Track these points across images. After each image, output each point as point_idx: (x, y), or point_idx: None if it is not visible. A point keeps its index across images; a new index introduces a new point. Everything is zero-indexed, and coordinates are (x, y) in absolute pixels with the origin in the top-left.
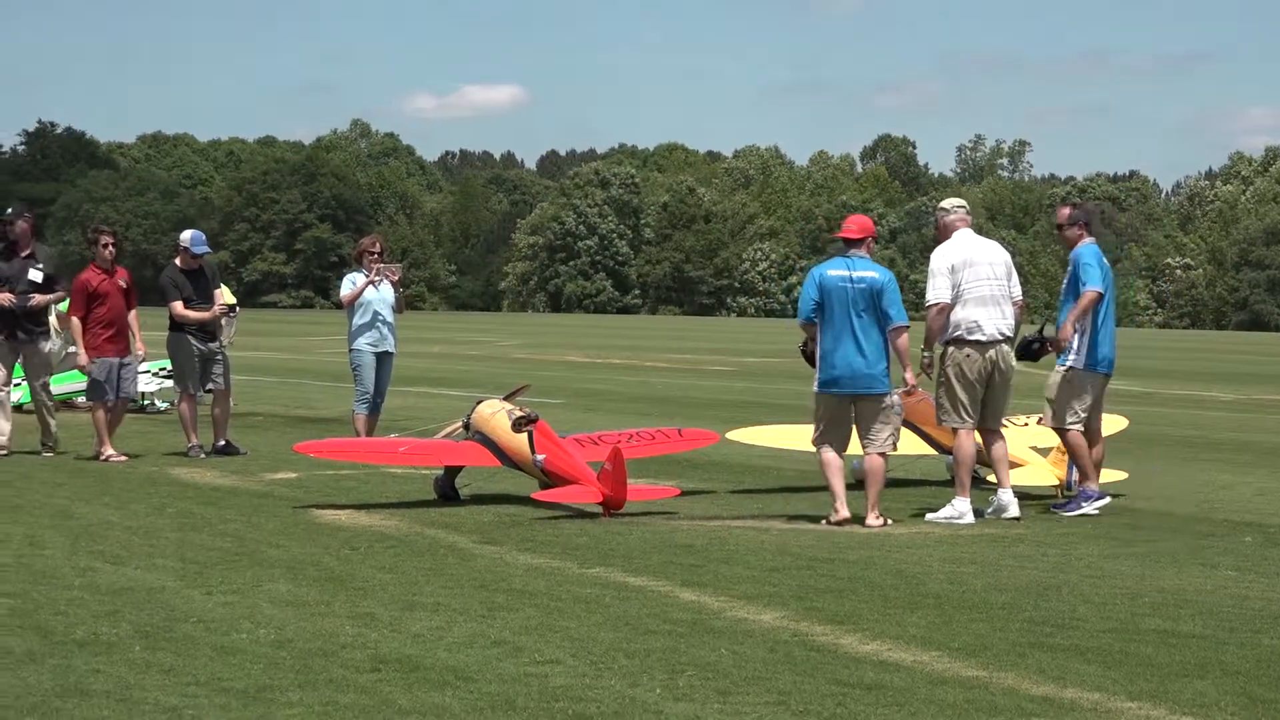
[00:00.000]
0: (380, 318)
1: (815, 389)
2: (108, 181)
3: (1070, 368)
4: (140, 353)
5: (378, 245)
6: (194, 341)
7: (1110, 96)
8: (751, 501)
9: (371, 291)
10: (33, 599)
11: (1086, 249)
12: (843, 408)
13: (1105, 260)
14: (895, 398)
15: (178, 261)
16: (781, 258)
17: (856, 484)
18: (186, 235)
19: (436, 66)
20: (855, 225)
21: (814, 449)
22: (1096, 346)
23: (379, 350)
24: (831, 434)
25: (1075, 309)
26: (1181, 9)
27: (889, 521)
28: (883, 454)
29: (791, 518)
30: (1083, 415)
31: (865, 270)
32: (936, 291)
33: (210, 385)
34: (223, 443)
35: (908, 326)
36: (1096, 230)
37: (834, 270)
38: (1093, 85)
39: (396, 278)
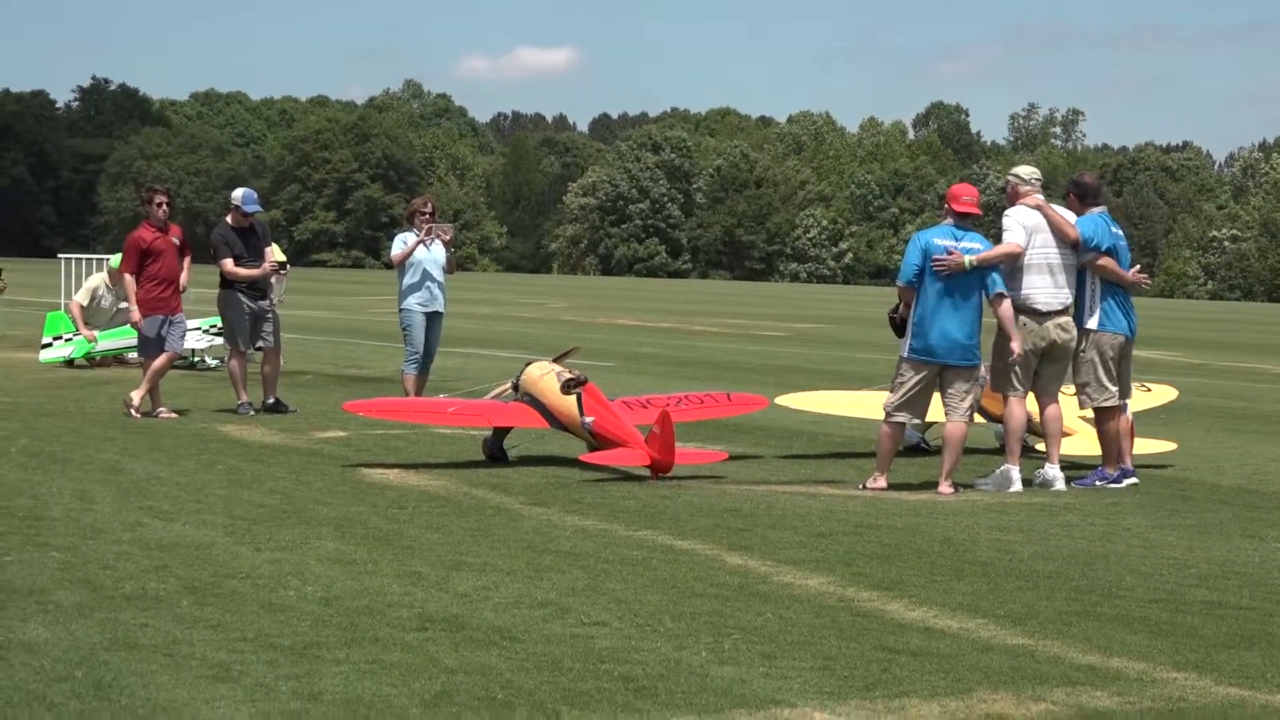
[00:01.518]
0: (430, 277)
1: (905, 355)
2: (160, 139)
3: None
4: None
5: (429, 205)
6: (244, 299)
7: (1167, 67)
8: (800, 466)
9: (422, 251)
10: (81, 553)
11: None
12: (931, 376)
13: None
14: (984, 370)
15: (229, 219)
16: (832, 223)
17: (905, 451)
18: (238, 193)
19: (491, 29)
20: (969, 198)
21: (883, 414)
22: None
23: (429, 310)
24: (913, 403)
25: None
26: None
27: (960, 490)
28: (965, 422)
29: (839, 483)
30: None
31: (972, 242)
32: (1012, 235)
33: (260, 343)
34: (272, 400)
35: (1007, 295)
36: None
37: (940, 239)
38: (1150, 56)
39: (448, 237)
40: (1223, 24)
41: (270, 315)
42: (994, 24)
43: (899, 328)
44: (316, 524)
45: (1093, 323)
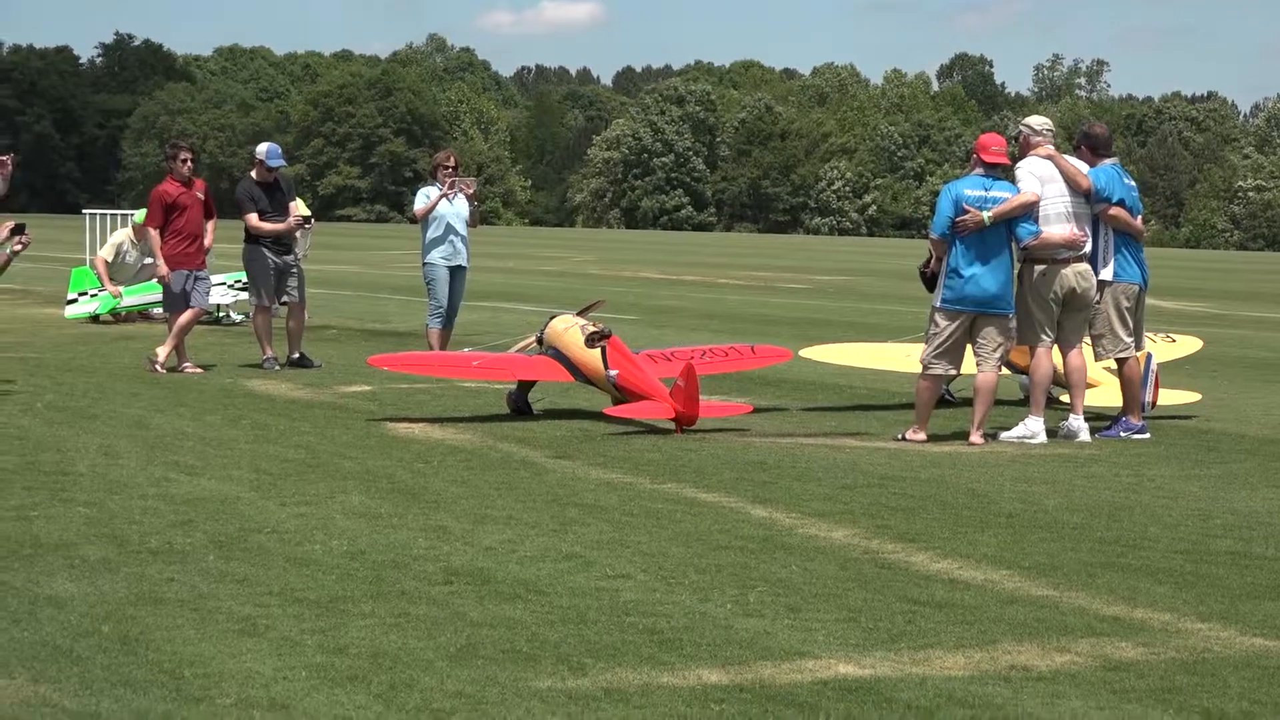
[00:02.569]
0: (454, 231)
1: (939, 305)
2: (184, 94)
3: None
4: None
5: (452, 159)
6: (269, 254)
7: (1192, 17)
8: (824, 419)
9: (445, 205)
10: (108, 508)
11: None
12: (964, 326)
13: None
14: (1011, 322)
15: (253, 174)
16: (856, 175)
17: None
18: (262, 148)
19: None
20: (997, 148)
21: (920, 367)
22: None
23: (452, 264)
24: (949, 353)
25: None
26: None
27: (987, 441)
28: (995, 372)
29: (864, 435)
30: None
31: (1002, 191)
32: (1026, 184)
33: (285, 298)
34: (297, 355)
35: (1039, 235)
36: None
37: (971, 189)
38: (1175, 6)
39: (471, 191)
40: None
41: (295, 270)
42: None
43: (930, 282)
44: (342, 478)
45: (1106, 273)
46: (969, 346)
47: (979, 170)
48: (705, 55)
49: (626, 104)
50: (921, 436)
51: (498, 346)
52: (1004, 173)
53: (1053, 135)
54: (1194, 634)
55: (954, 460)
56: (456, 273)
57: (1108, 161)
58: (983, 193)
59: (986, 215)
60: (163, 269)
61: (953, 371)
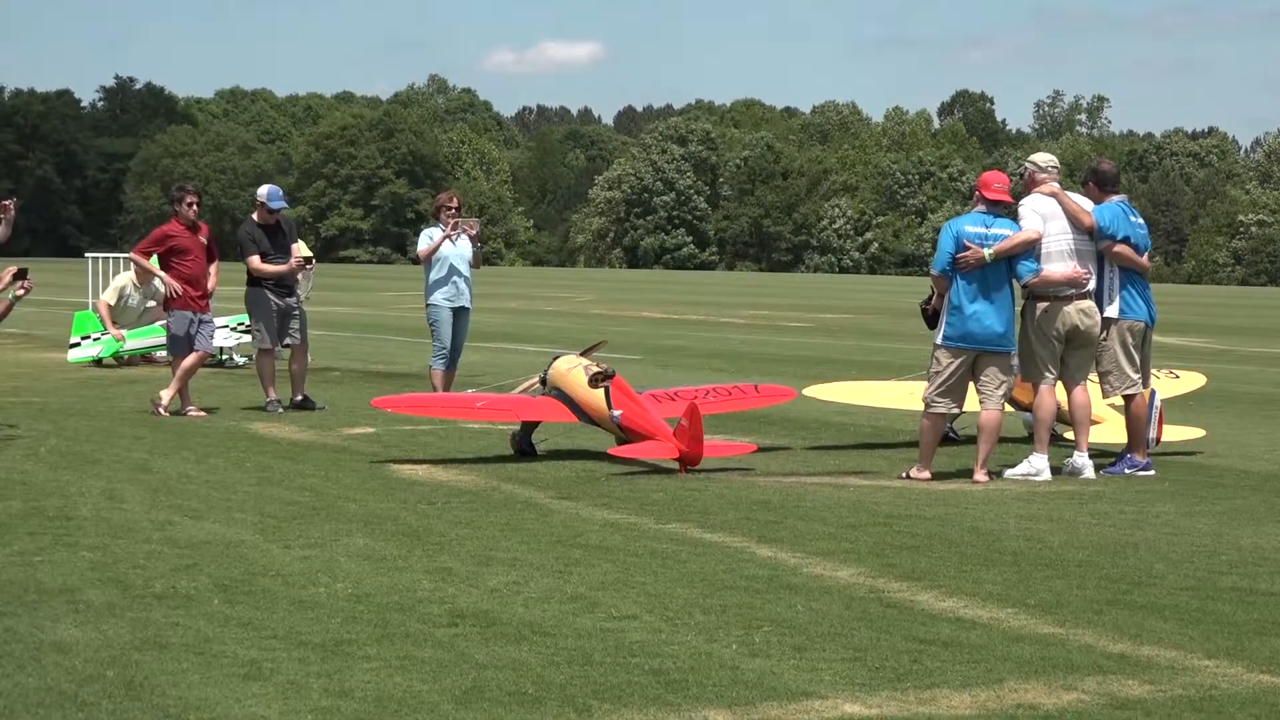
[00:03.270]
0: (457, 272)
1: (940, 343)
2: (186, 137)
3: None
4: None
5: (455, 200)
6: (271, 296)
7: (1193, 52)
8: (828, 458)
9: (449, 246)
10: (112, 552)
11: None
12: (966, 364)
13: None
14: (1014, 359)
15: (255, 216)
16: (858, 213)
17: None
18: (263, 190)
19: (516, 22)
20: (999, 185)
21: (922, 405)
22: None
23: (455, 305)
24: (952, 391)
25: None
26: None
27: (991, 479)
28: (999, 409)
29: (868, 474)
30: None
31: (1003, 229)
32: (1028, 222)
33: (288, 340)
34: (300, 397)
35: (1039, 272)
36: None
37: (972, 226)
38: (1177, 41)
39: (474, 232)
40: (1250, 9)
41: (298, 312)
42: (1019, 11)
43: (931, 319)
44: (346, 520)
45: (1112, 310)
46: (972, 384)
47: (981, 207)
48: (706, 94)
49: (628, 143)
50: (926, 475)
51: (501, 387)
52: (1006, 210)
53: (1058, 172)
54: (1201, 671)
55: (959, 498)
56: (460, 314)
57: (1115, 198)
58: (984, 229)
59: (988, 252)
60: (173, 283)
61: (956, 409)
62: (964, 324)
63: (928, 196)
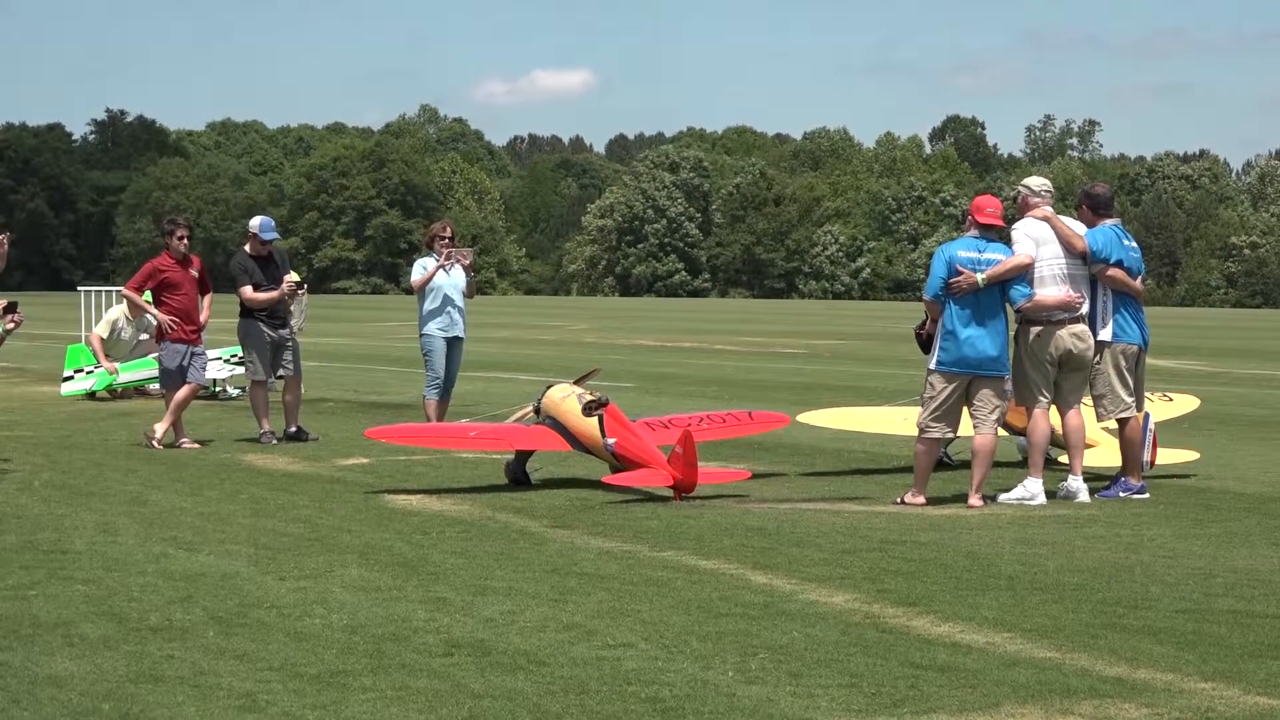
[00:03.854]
0: (451, 302)
1: (934, 368)
2: (178, 169)
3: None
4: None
5: (448, 230)
6: (264, 328)
7: (1184, 75)
8: (822, 484)
9: (442, 276)
10: (107, 586)
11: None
12: (960, 388)
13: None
14: (1007, 384)
15: (247, 248)
16: (850, 239)
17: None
18: (255, 221)
19: (506, 52)
20: (992, 209)
21: (916, 430)
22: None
23: (449, 335)
24: (944, 417)
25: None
26: None
27: (986, 503)
28: (993, 434)
29: (863, 499)
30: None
31: (995, 253)
32: (1021, 247)
33: (281, 371)
34: (294, 429)
35: (1032, 297)
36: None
37: (964, 251)
38: (1168, 63)
39: (468, 262)
40: (1240, 31)
41: (291, 343)
42: (1008, 36)
43: (925, 344)
44: (341, 551)
45: (1106, 334)
46: (966, 409)
47: (973, 232)
48: (698, 122)
49: (620, 171)
50: (920, 500)
51: (495, 416)
52: (999, 234)
53: (1051, 196)
54: (1197, 694)
55: (954, 523)
56: (454, 344)
57: (1108, 222)
58: (976, 254)
59: (980, 277)
60: (162, 316)
61: (950, 434)
62: (958, 349)
63: (920, 222)
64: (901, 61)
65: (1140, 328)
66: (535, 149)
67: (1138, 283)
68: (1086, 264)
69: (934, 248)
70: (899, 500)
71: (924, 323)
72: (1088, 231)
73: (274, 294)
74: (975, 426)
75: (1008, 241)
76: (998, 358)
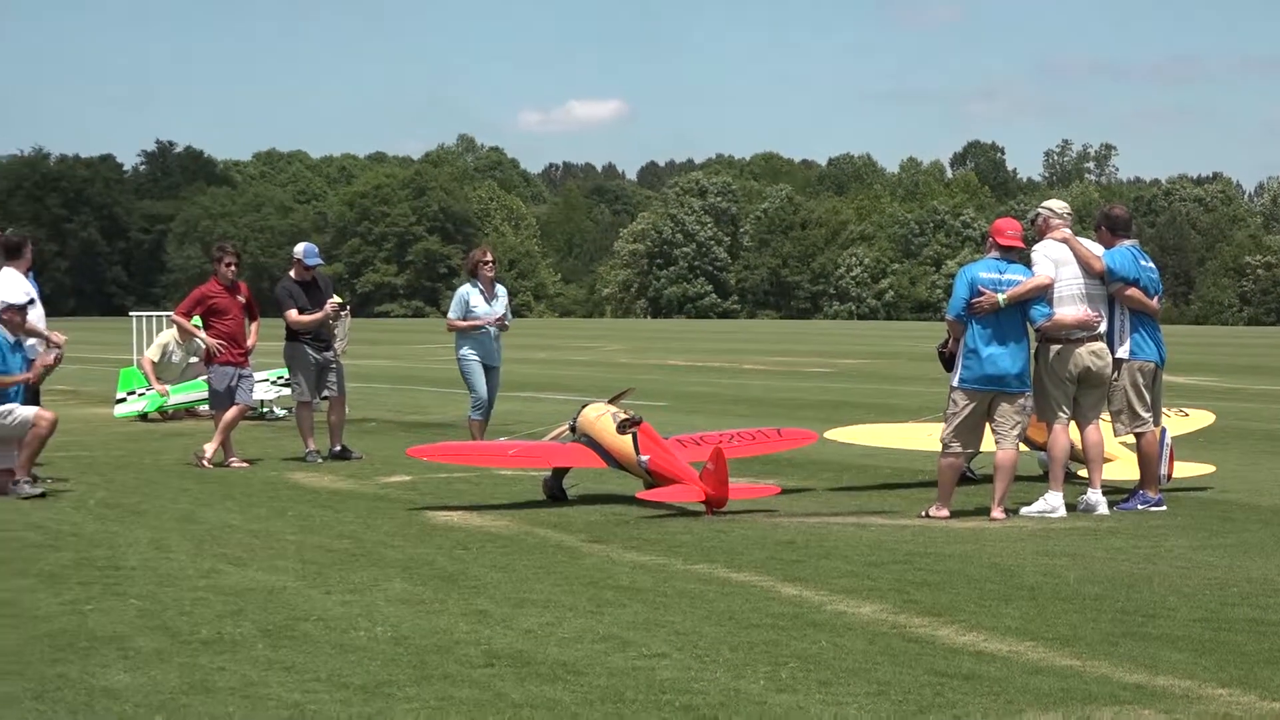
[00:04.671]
0: (486, 333)
1: (956, 384)
2: (225, 198)
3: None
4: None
5: (489, 255)
6: (310, 350)
7: (1198, 100)
8: (850, 499)
9: (481, 307)
10: (159, 600)
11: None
12: (982, 405)
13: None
14: (1028, 400)
15: (292, 273)
16: (874, 262)
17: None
18: (300, 248)
19: (542, 83)
20: (1013, 232)
21: (940, 446)
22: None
23: (486, 363)
24: (966, 432)
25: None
26: (1270, 11)
27: (1008, 516)
28: (1014, 449)
29: (889, 513)
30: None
31: (1016, 274)
32: (1040, 268)
33: (326, 392)
34: (339, 448)
35: (1052, 316)
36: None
37: (986, 272)
38: (1181, 89)
39: (505, 324)
40: (1251, 54)
41: (335, 365)
42: (1027, 63)
43: (948, 362)
44: (385, 566)
45: (1123, 351)
46: (988, 424)
47: (994, 254)
48: (726, 149)
49: (651, 197)
50: (944, 513)
51: (533, 435)
52: (1019, 256)
53: (1070, 219)
54: (1215, 700)
55: (977, 536)
56: (490, 370)
57: (1126, 243)
58: (997, 275)
59: (1001, 297)
60: (211, 341)
61: (972, 450)
62: (980, 367)
63: (941, 245)
64: (923, 89)
65: (1157, 345)
66: (569, 176)
67: (1154, 302)
68: (1105, 284)
69: (955, 269)
70: (924, 514)
71: (947, 341)
72: (1106, 252)
73: (318, 316)
74: (997, 442)
75: (1027, 263)
76: (1018, 375)
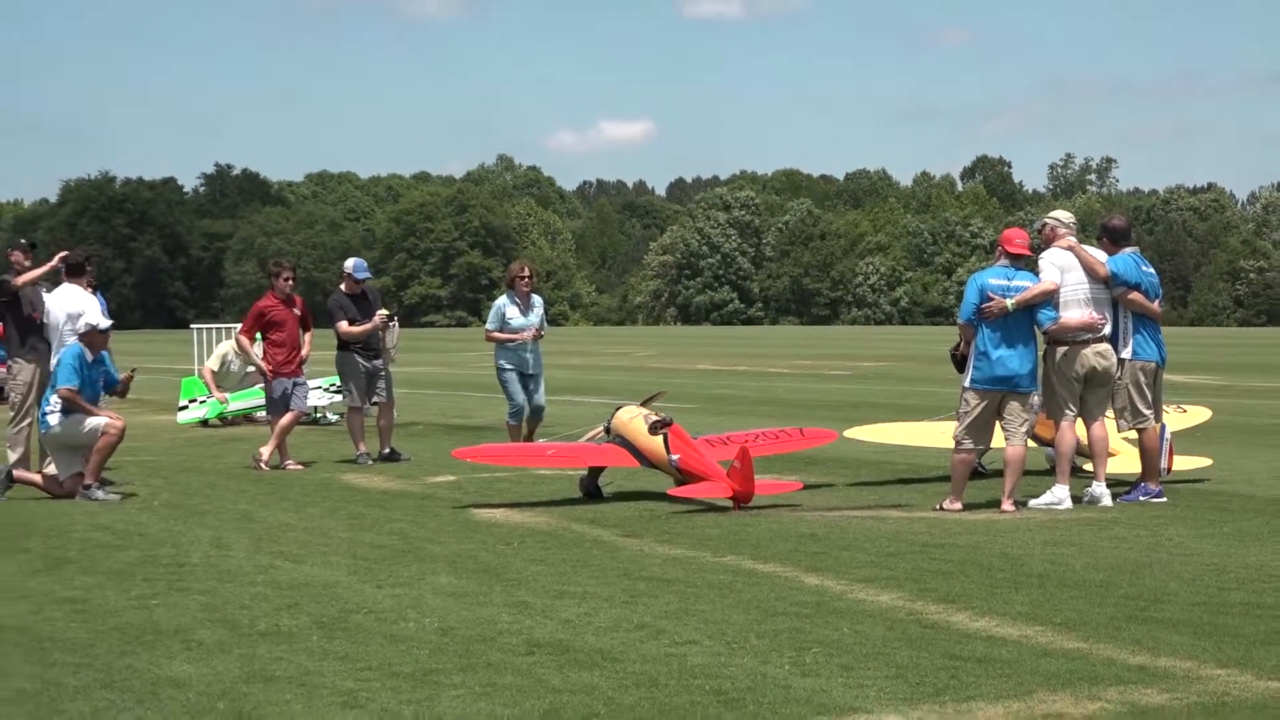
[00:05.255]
0: (522, 345)
1: (968, 385)
2: (279, 217)
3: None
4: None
5: (526, 270)
6: (360, 359)
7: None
8: (868, 493)
9: (518, 318)
10: (220, 595)
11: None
12: (992, 404)
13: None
14: (1036, 398)
15: (343, 287)
16: (889, 270)
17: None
18: (350, 263)
19: (576, 105)
20: (1020, 240)
21: (953, 443)
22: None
23: (523, 372)
24: (977, 430)
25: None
26: (1267, 29)
27: (1018, 508)
28: (1023, 445)
29: (905, 507)
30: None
31: (1023, 280)
32: (1047, 274)
33: (375, 398)
34: (388, 450)
35: (1058, 319)
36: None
37: (995, 279)
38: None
39: (542, 334)
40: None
41: (384, 373)
42: (1033, 82)
43: (960, 364)
44: (431, 561)
45: (1126, 352)
46: (998, 422)
47: (1003, 261)
48: (749, 165)
49: (679, 212)
50: (958, 506)
51: (570, 436)
52: (1026, 263)
53: (1075, 227)
54: (1214, 679)
55: (988, 527)
56: (529, 378)
57: (1127, 250)
58: (1006, 282)
59: (1010, 302)
60: (266, 365)
61: (983, 446)
62: (990, 368)
63: (953, 253)
64: (935, 107)
65: (1158, 346)
66: (602, 192)
67: (1155, 305)
68: (1108, 288)
69: (966, 276)
70: (938, 507)
71: (958, 345)
72: (1109, 258)
73: (367, 327)
74: (1006, 438)
75: (1035, 270)
76: (1027, 375)
